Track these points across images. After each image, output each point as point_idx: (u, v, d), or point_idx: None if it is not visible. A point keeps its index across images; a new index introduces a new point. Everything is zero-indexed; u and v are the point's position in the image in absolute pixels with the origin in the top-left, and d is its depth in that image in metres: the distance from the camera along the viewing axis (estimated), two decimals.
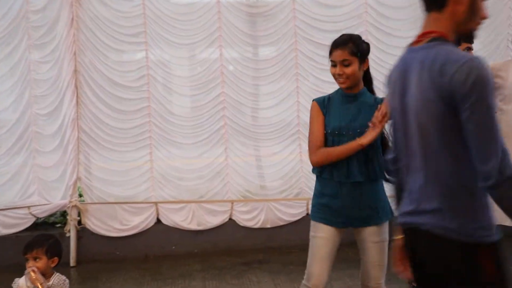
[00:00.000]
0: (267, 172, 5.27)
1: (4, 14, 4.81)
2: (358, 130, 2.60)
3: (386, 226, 2.71)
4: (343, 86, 2.65)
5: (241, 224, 5.17)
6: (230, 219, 5.19)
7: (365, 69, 2.68)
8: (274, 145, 5.22)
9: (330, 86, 5.10)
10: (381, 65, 5.12)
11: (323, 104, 2.73)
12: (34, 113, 4.93)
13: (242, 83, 5.17)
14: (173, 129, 5.15)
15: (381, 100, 2.64)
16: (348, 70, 2.59)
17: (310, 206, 2.96)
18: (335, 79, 2.67)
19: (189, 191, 5.20)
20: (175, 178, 5.19)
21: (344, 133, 2.63)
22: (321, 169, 2.71)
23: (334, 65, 2.63)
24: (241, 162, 5.22)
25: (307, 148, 5.08)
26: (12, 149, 4.87)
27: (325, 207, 2.69)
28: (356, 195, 2.64)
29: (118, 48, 5.07)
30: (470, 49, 3.69)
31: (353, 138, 2.58)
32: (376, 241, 2.67)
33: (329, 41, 4.95)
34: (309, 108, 5.00)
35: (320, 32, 5.14)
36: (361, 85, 2.71)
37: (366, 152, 2.61)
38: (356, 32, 5.06)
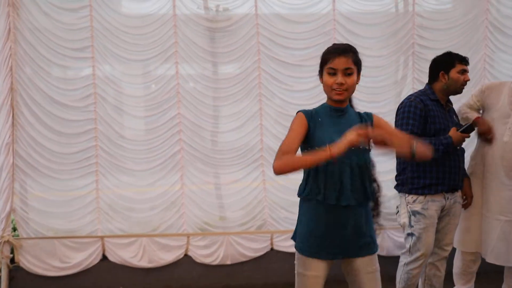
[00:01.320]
0: (227, 201, 4.85)
1: None
2: (359, 146, 2.37)
3: (376, 254, 2.54)
4: (340, 97, 2.42)
5: (198, 261, 4.74)
6: (186, 255, 4.76)
7: (357, 83, 2.49)
8: (235, 172, 4.82)
9: (296, 108, 4.81)
10: None
11: (311, 117, 2.47)
12: None
13: (200, 104, 4.77)
14: (123, 154, 4.73)
15: (369, 115, 2.52)
16: (350, 80, 2.40)
17: (297, 239, 2.62)
18: (330, 90, 2.44)
19: (140, 223, 4.76)
20: (124, 209, 4.74)
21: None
22: (311, 191, 2.43)
23: (333, 73, 2.40)
24: (199, 190, 4.82)
25: (271, 174, 4.83)
26: None
27: (317, 237, 2.45)
28: (353, 220, 2.42)
29: (61, 63, 4.63)
30: (465, 71, 3.55)
31: (349, 156, 2.35)
32: (371, 271, 2.49)
33: (294, 60, 4.82)
34: (273, 132, 4.83)
35: (285, 50, 4.81)
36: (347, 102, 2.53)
37: (362, 171, 2.42)
38: (323, 51, 4.89)
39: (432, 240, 3.47)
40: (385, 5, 4.81)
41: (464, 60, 3.55)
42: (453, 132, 3.39)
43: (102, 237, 4.65)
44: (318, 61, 4.73)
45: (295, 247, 2.56)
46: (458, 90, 3.56)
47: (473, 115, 3.73)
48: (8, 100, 4.49)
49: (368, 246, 2.48)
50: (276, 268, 4.75)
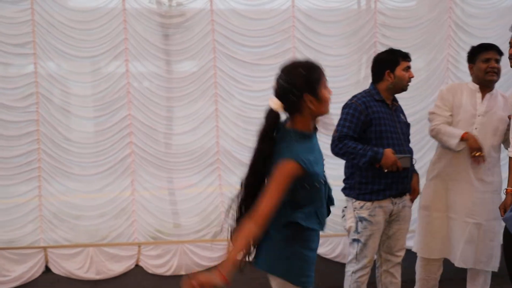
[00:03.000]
0: (181, 208, 4.66)
1: None
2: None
3: None
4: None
5: (150, 271, 4.53)
6: (137, 265, 4.54)
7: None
8: (190, 177, 4.64)
9: (254, 109, 4.69)
10: None
11: (302, 161, 2.18)
12: None
13: (153, 104, 4.57)
14: (69, 158, 4.50)
15: None
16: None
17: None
18: (326, 106, 2.33)
19: (87, 232, 4.54)
20: (70, 217, 4.51)
21: (322, 181, 2.32)
22: (304, 216, 2.27)
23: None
24: (151, 196, 4.61)
25: (228, 179, 4.64)
26: None
27: (310, 264, 2.35)
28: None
29: (0, 60, 4.37)
30: (409, 68, 3.49)
31: (328, 188, 2.38)
32: None
33: (252, 58, 4.65)
34: (231, 134, 4.65)
35: (242, 48, 4.66)
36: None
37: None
38: (282, 49, 4.75)
39: (377, 246, 3.47)
40: (347, 2, 4.70)
41: (407, 57, 3.48)
42: (388, 150, 3.29)
43: (45, 248, 4.41)
44: (277, 59, 4.68)
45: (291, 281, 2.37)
46: (404, 88, 3.50)
47: (459, 132, 3.54)
48: None
49: None
50: (234, 278, 4.54)
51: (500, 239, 3.50)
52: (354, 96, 3.50)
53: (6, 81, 4.42)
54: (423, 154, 4.67)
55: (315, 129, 2.34)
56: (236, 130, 4.67)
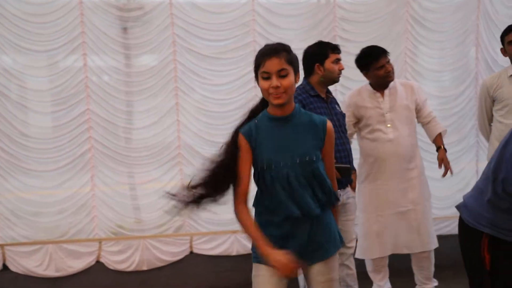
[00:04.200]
0: (143, 203, 4.67)
1: None
2: (298, 160, 2.28)
3: (334, 261, 2.45)
4: (279, 101, 2.24)
5: (111, 267, 4.51)
6: (98, 261, 4.52)
7: (297, 82, 2.33)
8: (151, 171, 4.64)
9: (215, 103, 4.72)
10: None
11: (250, 136, 2.30)
12: None
13: (112, 99, 4.55)
14: (26, 154, 4.45)
15: (324, 123, 2.34)
16: (286, 82, 2.22)
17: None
18: (267, 95, 2.26)
19: (46, 229, 4.50)
20: (28, 213, 4.46)
21: (281, 165, 2.28)
22: (259, 203, 2.34)
23: (267, 77, 2.23)
24: (112, 192, 4.60)
25: (189, 173, 4.65)
26: None
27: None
28: (305, 229, 2.34)
29: None
30: (339, 60, 3.54)
31: (294, 169, 2.27)
32: (323, 280, 2.40)
33: (212, 51, 4.67)
34: (192, 128, 4.66)
35: (202, 41, 4.67)
36: (293, 103, 2.34)
37: (311, 183, 2.32)
38: (243, 43, 4.79)
39: None
40: None
41: (336, 49, 3.53)
42: None
43: (2, 245, 4.36)
44: (237, 53, 4.70)
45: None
46: (335, 80, 3.56)
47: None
48: None
49: (319, 252, 2.39)
50: (196, 273, 4.60)
51: (431, 217, 3.89)
52: None
53: None
54: None
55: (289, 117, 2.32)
56: (197, 124, 4.69)
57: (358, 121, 3.85)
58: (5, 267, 4.36)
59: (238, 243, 4.65)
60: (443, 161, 3.82)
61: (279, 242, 2.30)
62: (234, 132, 2.33)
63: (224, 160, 2.31)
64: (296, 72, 2.28)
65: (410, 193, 3.78)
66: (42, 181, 4.52)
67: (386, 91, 3.81)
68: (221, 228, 4.67)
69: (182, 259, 4.61)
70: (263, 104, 2.39)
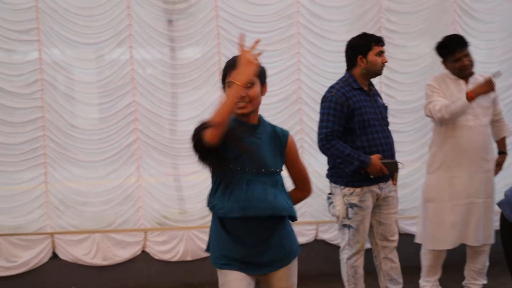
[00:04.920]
0: (187, 194, 4.73)
1: None
2: (263, 170, 2.29)
3: (295, 267, 2.46)
4: (243, 111, 2.28)
5: (156, 257, 4.60)
6: (143, 251, 4.62)
7: (264, 94, 2.36)
8: (195, 163, 4.58)
9: None
10: (315, 72, 4.77)
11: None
12: None
13: (157, 91, 4.62)
14: (74, 145, 4.57)
15: (285, 134, 2.38)
16: (251, 92, 2.25)
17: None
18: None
19: (94, 218, 4.60)
20: (76, 203, 4.58)
21: (247, 170, 2.28)
22: (214, 204, 2.31)
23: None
24: (157, 183, 4.68)
25: None
26: None
27: (226, 249, 2.35)
28: (262, 234, 2.32)
29: (5, 47, 4.45)
30: (382, 52, 3.47)
31: (258, 177, 2.29)
32: (284, 287, 2.41)
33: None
34: None
35: (246, 34, 4.61)
36: (258, 114, 2.37)
37: (273, 183, 2.33)
38: (286, 35, 4.81)
39: (367, 230, 3.51)
40: None
41: (380, 41, 3.48)
42: (375, 158, 3.33)
43: (51, 234, 4.48)
44: (281, 45, 4.72)
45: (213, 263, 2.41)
46: (378, 73, 3.51)
47: (462, 96, 3.64)
48: None
49: (282, 258, 2.38)
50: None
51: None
52: (332, 87, 3.48)
53: (10, 68, 4.48)
54: (426, 141, 4.71)
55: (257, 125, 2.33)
56: None
57: None
58: (54, 255, 4.49)
59: None
60: (499, 167, 3.84)
61: (238, 246, 2.29)
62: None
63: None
64: (263, 83, 2.32)
65: (486, 184, 3.77)
66: (89, 172, 4.63)
67: (471, 79, 3.76)
68: None
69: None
70: None
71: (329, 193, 3.56)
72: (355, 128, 3.38)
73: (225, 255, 2.33)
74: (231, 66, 2.29)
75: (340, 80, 3.53)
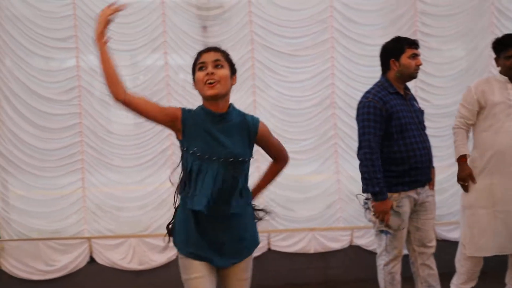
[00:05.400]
0: None
1: None
2: (231, 159, 2.32)
3: (251, 260, 2.56)
4: (212, 91, 2.33)
5: None
6: None
7: (233, 84, 2.45)
8: None
9: (292, 100, 4.76)
10: (349, 76, 4.76)
11: (187, 115, 2.39)
12: None
13: (192, 96, 4.62)
14: (111, 150, 4.65)
15: (255, 123, 2.44)
16: (221, 72, 2.34)
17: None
18: (202, 86, 2.35)
19: (129, 223, 4.68)
20: (112, 208, 4.66)
21: (214, 159, 2.32)
22: (183, 195, 2.40)
23: (202, 67, 2.36)
24: None
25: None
26: None
27: (191, 243, 2.41)
28: (221, 227, 2.38)
29: (43, 54, 4.55)
30: (416, 55, 3.45)
31: (225, 167, 2.31)
32: (241, 279, 2.51)
33: (289, 49, 4.71)
34: (268, 125, 4.58)
35: (279, 39, 4.73)
36: (228, 102, 2.44)
37: (238, 182, 2.38)
38: (320, 39, 4.81)
39: (405, 236, 3.47)
40: None
41: (414, 44, 3.44)
42: (389, 202, 3.33)
43: (89, 238, 4.56)
44: (315, 50, 4.72)
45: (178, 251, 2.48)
46: (413, 76, 3.47)
47: (463, 150, 3.69)
48: None
49: (242, 250, 2.47)
50: (274, 269, 4.66)
51: None
52: (368, 93, 3.46)
53: (47, 74, 4.59)
54: None
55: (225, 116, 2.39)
56: (273, 121, 4.73)
57: (480, 110, 3.73)
58: (92, 259, 4.56)
59: (316, 241, 4.68)
60: None
61: (199, 238, 2.34)
62: None
63: None
64: (233, 73, 2.42)
65: None
66: (124, 177, 4.71)
67: None
68: (298, 225, 4.72)
69: (260, 255, 4.67)
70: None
71: (366, 198, 3.53)
72: (393, 132, 3.36)
73: (191, 243, 2.37)
74: (202, 51, 2.42)
75: (376, 85, 3.51)
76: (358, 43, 4.75)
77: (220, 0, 4.69)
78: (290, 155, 4.80)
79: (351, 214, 4.73)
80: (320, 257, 4.68)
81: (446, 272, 3.84)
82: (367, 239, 4.69)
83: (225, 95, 2.38)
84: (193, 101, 4.60)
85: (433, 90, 4.80)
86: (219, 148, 2.31)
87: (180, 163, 2.40)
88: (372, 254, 4.56)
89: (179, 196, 2.43)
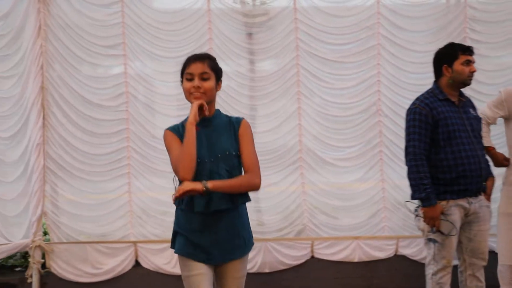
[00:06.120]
0: (264, 205, 4.78)
1: None
2: (219, 155, 2.55)
3: (247, 258, 2.74)
4: (199, 102, 2.54)
5: None
6: None
7: (218, 90, 2.67)
8: (273, 175, 4.73)
9: (337, 107, 4.75)
10: (395, 83, 4.72)
11: (178, 131, 2.60)
12: None
13: (236, 103, 4.73)
14: (156, 155, 4.70)
15: (239, 121, 2.64)
16: (207, 84, 2.55)
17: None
18: (189, 95, 2.58)
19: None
20: (157, 212, 4.72)
21: (206, 161, 2.54)
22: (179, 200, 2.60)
23: (190, 79, 2.57)
24: None
25: (311, 178, 4.72)
26: None
27: (189, 242, 2.61)
28: (220, 226, 2.57)
29: (92, 61, 4.66)
30: (470, 61, 3.44)
31: (216, 163, 2.54)
32: (237, 276, 2.66)
33: (335, 55, 4.71)
34: (313, 132, 4.73)
35: (325, 46, 4.72)
36: (214, 107, 2.67)
37: (231, 174, 2.56)
38: (366, 46, 4.79)
39: (455, 246, 3.42)
40: None
41: (468, 50, 3.42)
42: (439, 208, 3.31)
43: (135, 242, 4.64)
44: (360, 57, 4.71)
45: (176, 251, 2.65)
46: (466, 82, 3.44)
47: (487, 140, 3.66)
48: (39, 99, 4.54)
49: (240, 248, 2.63)
50: (317, 278, 4.66)
51: None
52: (417, 99, 3.47)
53: (96, 81, 4.69)
54: None
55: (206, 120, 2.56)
56: (318, 128, 4.75)
57: (496, 118, 3.76)
58: (137, 263, 4.65)
59: (361, 250, 4.65)
60: None
61: (199, 237, 2.54)
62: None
63: None
64: (218, 80, 2.62)
65: None
66: (169, 182, 4.74)
67: None
68: (342, 233, 4.70)
69: (304, 263, 4.68)
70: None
71: (417, 206, 3.51)
72: (439, 139, 3.34)
73: (191, 244, 2.55)
74: (190, 59, 2.59)
75: (426, 91, 3.52)
76: (405, 49, 4.70)
77: (266, 7, 4.72)
78: (334, 162, 4.82)
79: (396, 223, 4.68)
80: (364, 266, 4.65)
81: (494, 285, 3.77)
82: (413, 249, 4.64)
83: (210, 102, 2.59)
84: (238, 107, 4.71)
85: (483, 98, 4.65)
86: (210, 149, 2.55)
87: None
88: (417, 264, 4.54)
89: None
